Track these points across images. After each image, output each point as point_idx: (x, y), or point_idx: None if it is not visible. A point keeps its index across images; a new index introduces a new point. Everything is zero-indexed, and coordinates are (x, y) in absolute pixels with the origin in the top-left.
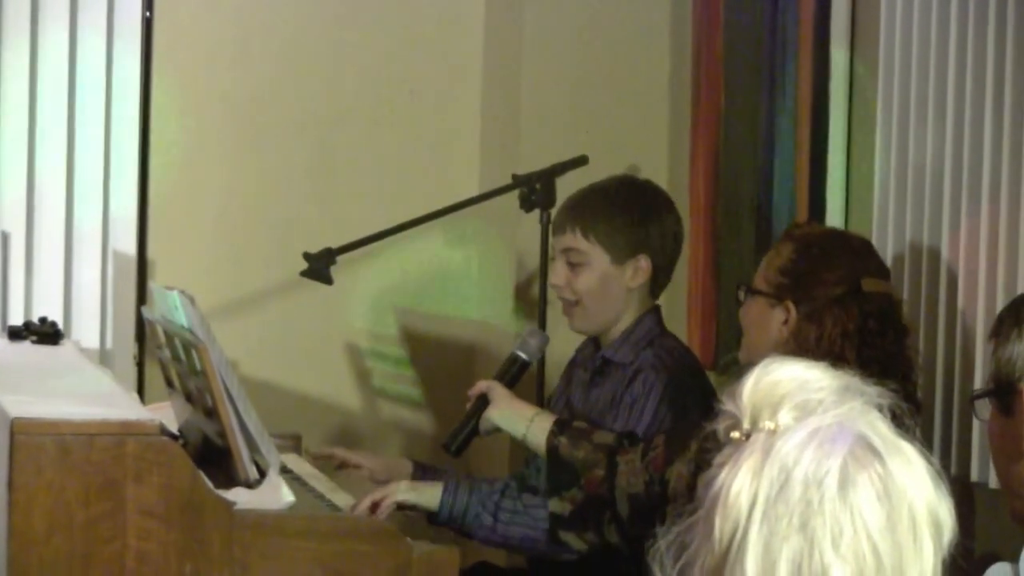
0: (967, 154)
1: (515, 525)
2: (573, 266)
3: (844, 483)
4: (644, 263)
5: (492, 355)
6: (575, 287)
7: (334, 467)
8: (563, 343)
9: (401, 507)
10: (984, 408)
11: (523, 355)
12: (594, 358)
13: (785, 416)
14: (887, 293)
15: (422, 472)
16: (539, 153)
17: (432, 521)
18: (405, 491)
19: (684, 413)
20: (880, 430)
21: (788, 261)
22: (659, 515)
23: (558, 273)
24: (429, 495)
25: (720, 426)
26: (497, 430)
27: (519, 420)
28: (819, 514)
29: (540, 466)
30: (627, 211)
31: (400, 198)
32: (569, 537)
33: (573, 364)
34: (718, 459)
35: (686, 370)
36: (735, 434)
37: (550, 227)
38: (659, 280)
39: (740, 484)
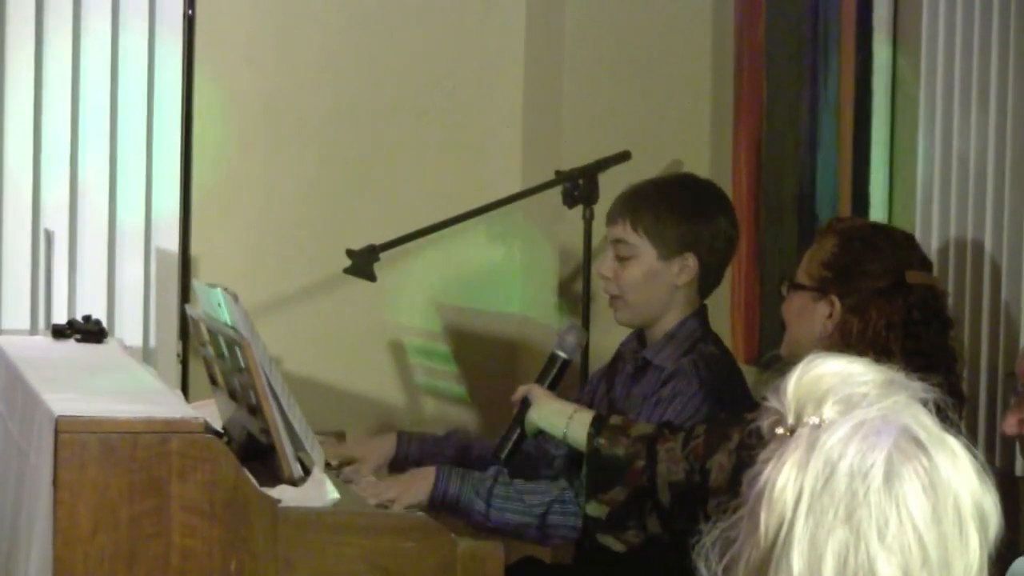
0: (1010, 146)
1: (508, 512)
2: (621, 259)
3: (889, 475)
4: (692, 262)
5: (535, 351)
6: (620, 279)
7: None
8: (607, 338)
9: None
10: None
11: (562, 354)
12: (637, 357)
13: (829, 410)
14: (931, 285)
15: (407, 442)
16: (581, 149)
17: (428, 506)
18: (407, 499)
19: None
20: (925, 423)
21: (831, 255)
22: (700, 506)
23: (606, 264)
24: (424, 489)
25: (764, 422)
26: (541, 432)
27: (558, 419)
28: (864, 505)
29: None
30: (679, 208)
31: (443, 194)
32: (607, 540)
33: (619, 356)
34: (762, 455)
35: (721, 380)
36: (780, 430)
37: (598, 219)
38: (708, 281)
39: (785, 478)
